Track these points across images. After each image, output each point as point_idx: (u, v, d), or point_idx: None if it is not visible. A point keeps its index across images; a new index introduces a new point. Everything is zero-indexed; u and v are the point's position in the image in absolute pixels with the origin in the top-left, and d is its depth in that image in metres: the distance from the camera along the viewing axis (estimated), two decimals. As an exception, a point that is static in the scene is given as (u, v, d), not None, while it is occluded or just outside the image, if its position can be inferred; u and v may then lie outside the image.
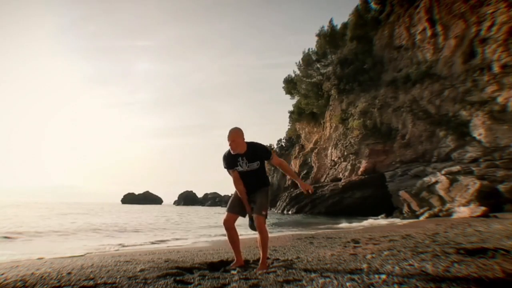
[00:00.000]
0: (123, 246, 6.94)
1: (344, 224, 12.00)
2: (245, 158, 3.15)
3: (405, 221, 13.67)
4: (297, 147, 39.00)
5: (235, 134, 3.13)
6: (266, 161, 3.28)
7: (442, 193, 17.13)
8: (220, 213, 26.96)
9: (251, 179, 3.24)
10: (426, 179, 18.65)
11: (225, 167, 3.27)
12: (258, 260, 3.35)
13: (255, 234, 3.16)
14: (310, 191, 3.18)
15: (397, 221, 14.85)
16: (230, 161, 3.20)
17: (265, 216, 3.11)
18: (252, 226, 3.20)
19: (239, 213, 3.24)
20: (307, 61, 34.78)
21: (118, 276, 2.54)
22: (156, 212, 29.91)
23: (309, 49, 35.63)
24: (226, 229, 3.20)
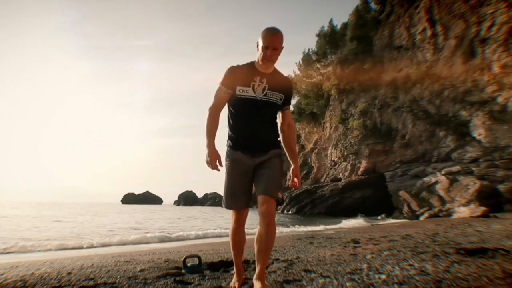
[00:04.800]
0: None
1: (321, 227, 11.32)
2: (265, 80, 2.06)
3: (394, 221, 13.65)
4: (296, 147, 39.01)
5: (280, 39, 2.03)
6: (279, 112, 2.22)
7: (442, 193, 17.13)
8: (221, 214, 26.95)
9: (260, 126, 2.10)
10: (426, 179, 18.65)
11: (221, 83, 2.09)
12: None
13: (252, 230, 2.36)
14: (296, 185, 2.24)
15: (380, 222, 14.79)
16: (241, 75, 2.07)
17: (281, 201, 2.06)
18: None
19: (248, 204, 2.19)
20: (307, 61, 34.83)
21: (118, 276, 2.54)
22: (165, 213, 29.89)
23: (309, 49, 35.70)
24: (234, 232, 2.22)
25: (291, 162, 2.27)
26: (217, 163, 2.01)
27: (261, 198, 2.02)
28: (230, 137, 2.19)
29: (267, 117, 2.14)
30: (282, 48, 2.05)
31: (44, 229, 10.81)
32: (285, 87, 2.17)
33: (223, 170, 2.12)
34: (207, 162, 2.01)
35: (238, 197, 2.15)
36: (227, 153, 2.19)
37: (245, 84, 2.06)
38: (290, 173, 2.24)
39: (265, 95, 2.07)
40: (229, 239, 2.29)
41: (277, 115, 2.23)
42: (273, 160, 2.14)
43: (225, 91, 2.10)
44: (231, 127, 2.17)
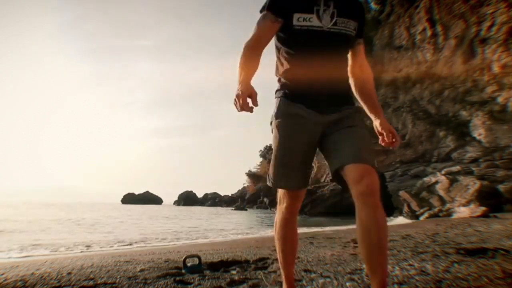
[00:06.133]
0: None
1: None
2: (332, 3, 1.46)
3: (401, 220, 13.66)
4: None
5: None
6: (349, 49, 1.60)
7: (442, 193, 17.13)
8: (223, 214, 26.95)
9: (330, 69, 1.50)
10: (426, 179, 18.64)
11: (267, 8, 1.48)
12: (258, 260, 3.25)
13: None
14: (395, 143, 1.57)
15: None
16: None
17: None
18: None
19: (307, 183, 1.59)
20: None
21: (118, 276, 2.55)
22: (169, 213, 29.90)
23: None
24: (284, 223, 1.62)
25: (374, 117, 1.61)
26: (249, 101, 1.29)
27: (354, 169, 1.35)
28: (283, 85, 1.57)
29: (338, 55, 1.55)
30: None
31: (137, 229, 11.18)
32: (359, 12, 1.57)
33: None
34: (235, 100, 1.32)
35: (295, 169, 1.51)
36: (278, 106, 1.55)
37: (305, 9, 1.44)
38: (378, 130, 1.59)
39: (334, 24, 1.47)
40: (274, 235, 1.67)
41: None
42: (355, 117, 1.54)
43: (273, 20, 1.47)
44: (285, 72, 1.54)
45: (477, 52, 19.08)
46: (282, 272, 1.68)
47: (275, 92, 1.61)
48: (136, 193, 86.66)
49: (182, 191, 79.43)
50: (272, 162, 1.58)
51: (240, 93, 1.30)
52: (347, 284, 2.15)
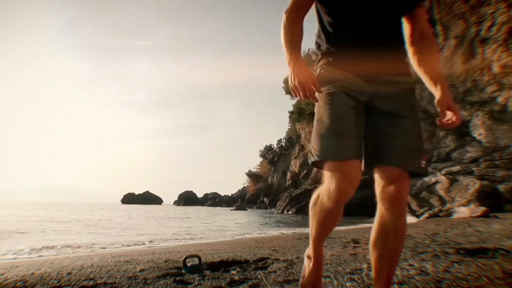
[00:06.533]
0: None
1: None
2: None
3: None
4: (297, 147, 39.06)
5: None
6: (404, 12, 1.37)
7: (442, 193, 17.13)
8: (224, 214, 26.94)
9: (382, 35, 1.31)
10: (426, 179, 18.63)
11: None
12: (258, 260, 3.26)
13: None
14: (455, 122, 1.34)
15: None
16: None
17: (424, 172, 1.39)
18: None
19: (361, 153, 1.36)
20: (307, 61, 34.39)
21: (118, 276, 2.55)
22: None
23: (309, 49, 35.49)
24: (338, 200, 1.38)
25: (435, 91, 1.40)
26: (313, 86, 1.19)
27: (387, 171, 1.26)
28: (325, 53, 1.39)
29: (392, 18, 1.34)
30: None
31: (137, 229, 11.39)
32: None
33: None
34: (295, 87, 1.21)
35: (345, 135, 1.25)
36: (320, 74, 1.38)
37: None
38: (438, 105, 1.37)
39: None
40: (312, 211, 1.47)
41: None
42: (409, 101, 1.37)
43: None
44: (330, 37, 1.37)
45: (477, 52, 19.07)
46: (312, 247, 1.51)
47: (316, 63, 1.44)
48: (136, 193, 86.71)
49: (182, 191, 79.50)
50: (315, 134, 1.34)
51: (300, 80, 1.19)
52: (347, 284, 2.15)
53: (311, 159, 1.37)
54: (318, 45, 1.45)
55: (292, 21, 1.32)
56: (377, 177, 1.31)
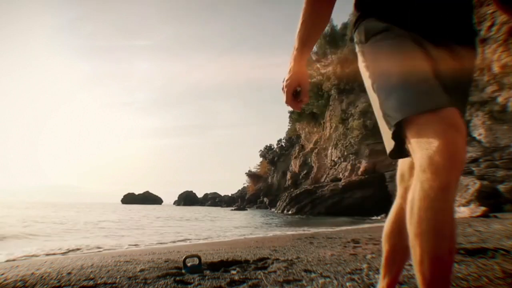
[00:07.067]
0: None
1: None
2: None
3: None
4: (297, 147, 39.10)
5: None
6: None
7: (442, 193, 17.15)
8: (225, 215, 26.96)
9: None
10: (426, 179, 18.66)
11: None
12: (258, 260, 3.26)
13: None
14: None
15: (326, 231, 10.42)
16: None
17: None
18: None
19: (448, 100, 0.85)
20: (307, 61, 34.83)
21: (118, 276, 2.55)
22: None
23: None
24: (449, 168, 0.78)
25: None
26: (297, 90, 1.07)
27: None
28: (367, 9, 1.09)
29: None
30: None
31: (137, 229, 11.44)
32: None
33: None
34: (283, 87, 1.09)
35: (431, 83, 0.89)
36: (366, 29, 1.07)
37: None
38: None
39: None
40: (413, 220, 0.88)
41: None
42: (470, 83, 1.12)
43: None
44: None
45: (477, 52, 19.09)
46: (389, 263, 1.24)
47: (354, 24, 1.15)
48: (136, 193, 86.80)
49: (182, 191, 79.57)
50: (383, 94, 0.95)
51: (287, 83, 1.04)
52: (347, 284, 2.15)
53: (391, 122, 0.90)
54: (358, 3, 1.14)
55: (314, 8, 1.08)
56: (406, 167, 1.17)
